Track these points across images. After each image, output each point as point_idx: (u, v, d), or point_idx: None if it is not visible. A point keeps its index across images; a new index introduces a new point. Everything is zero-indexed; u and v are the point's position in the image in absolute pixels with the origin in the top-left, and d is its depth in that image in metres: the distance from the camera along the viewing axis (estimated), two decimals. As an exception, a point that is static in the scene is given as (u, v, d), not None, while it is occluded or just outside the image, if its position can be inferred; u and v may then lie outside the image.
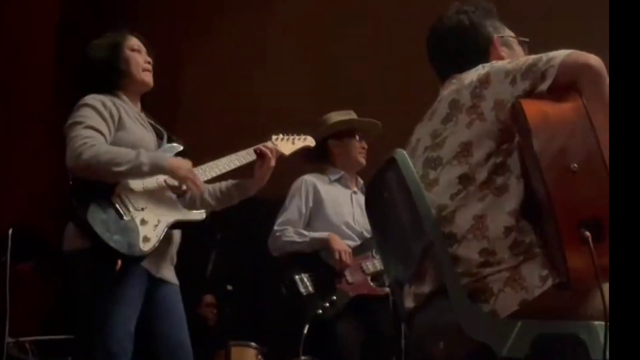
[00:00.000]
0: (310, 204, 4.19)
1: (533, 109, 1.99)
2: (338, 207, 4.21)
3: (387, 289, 4.03)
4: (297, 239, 4.10)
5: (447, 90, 2.27)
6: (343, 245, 4.04)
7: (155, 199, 3.09)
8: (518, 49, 2.39)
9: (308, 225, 4.16)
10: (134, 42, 3.27)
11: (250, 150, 3.37)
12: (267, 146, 3.37)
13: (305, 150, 3.92)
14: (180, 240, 3.25)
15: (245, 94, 6.38)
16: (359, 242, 4.15)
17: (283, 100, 6.18)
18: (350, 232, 4.16)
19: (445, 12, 2.42)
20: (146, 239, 2.98)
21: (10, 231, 3.44)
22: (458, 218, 2.10)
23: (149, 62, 3.27)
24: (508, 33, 2.41)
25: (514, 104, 2.04)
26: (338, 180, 4.30)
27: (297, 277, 4.01)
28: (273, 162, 3.36)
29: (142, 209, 3.04)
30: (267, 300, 4.61)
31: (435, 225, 2.11)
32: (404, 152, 2.22)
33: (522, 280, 2.00)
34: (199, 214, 3.19)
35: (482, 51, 2.34)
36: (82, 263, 2.99)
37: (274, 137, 3.51)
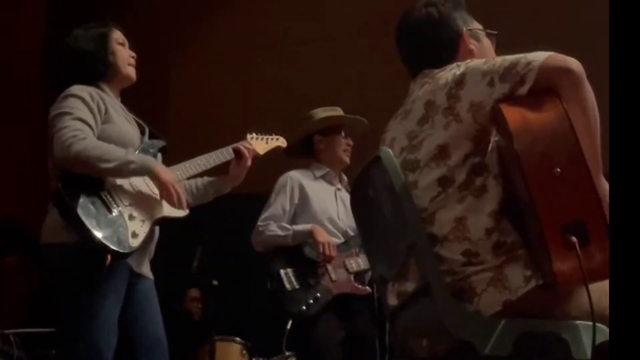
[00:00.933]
0: (296, 201, 4.17)
1: (513, 113, 1.98)
2: (323, 203, 4.19)
3: (369, 289, 4.08)
4: (280, 232, 4.08)
5: (422, 90, 2.24)
6: (327, 237, 4.03)
7: (140, 196, 3.09)
8: (486, 42, 2.37)
9: (292, 222, 4.15)
10: (119, 35, 3.25)
11: (229, 148, 3.40)
12: (245, 145, 3.42)
13: (289, 146, 3.94)
14: (166, 236, 3.25)
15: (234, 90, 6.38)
16: (343, 240, 4.15)
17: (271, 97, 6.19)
18: (334, 229, 4.15)
19: (415, 4, 2.38)
20: (134, 235, 2.98)
21: (-5, 225, 3.43)
22: (438, 220, 2.10)
23: (133, 57, 3.27)
24: (476, 26, 2.38)
25: (493, 107, 2.04)
26: (323, 177, 4.28)
27: (282, 271, 4.00)
28: (249, 162, 3.42)
29: (129, 205, 3.04)
30: (252, 296, 4.61)
31: (420, 223, 2.11)
32: (390, 150, 2.22)
33: (506, 281, 2.01)
34: (180, 212, 3.17)
35: (451, 44, 2.31)
36: (67, 256, 2.95)
37: (248, 135, 3.57)
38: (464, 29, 2.33)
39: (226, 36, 6.70)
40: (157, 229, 3.20)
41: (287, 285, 3.98)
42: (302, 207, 4.17)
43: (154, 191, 3.12)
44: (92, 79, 3.14)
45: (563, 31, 5.62)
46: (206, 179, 3.43)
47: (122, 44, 3.25)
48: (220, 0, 6.84)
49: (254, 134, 3.60)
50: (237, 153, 3.40)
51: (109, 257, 2.91)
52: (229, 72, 6.64)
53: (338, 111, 4.36)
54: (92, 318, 2.91)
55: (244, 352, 4.89)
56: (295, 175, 4.26)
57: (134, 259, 3.05)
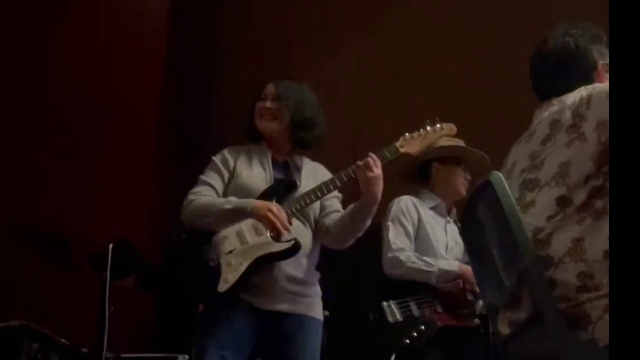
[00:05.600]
0: (415, 226, 4.03)
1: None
2: (435, 234, 4.09)
3: (477, 321, 3.93)
4: (423, 267, 3.89)
5: (548, 112, 2.25)
6: (473, 281, 3.78)
7: (246, 240, 3.20)
8: None
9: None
10: (264, 90, 3.43)
11: (348, 170, 3.25)
12: (357, 164, 3.22)
13: (403, 169, 3.84)
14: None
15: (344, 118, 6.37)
16: None
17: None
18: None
19: (552, 33, 2.40)
20: (225, 281, 3.12)
21: (110, 246, 3.53)
22: (555, 241, 2.06)
23: (264, 107, 3.38)
24: None
25: None
26: (434, 208, 4.15)
27: (384, 303, 3.91)
28: (373, 172, 3.15)
29: (230, 252, 3.17)
30: (362, 328, 4.56)
31: (532, 248, 2.06)
32: (500, 174, 2.19)
33: None
34: (282, 245, 3.18)
35: (585, 76, 2.31)
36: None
37: (401, 137, 3.36)
38: (600, 62, 2.33)
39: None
40: (285, 264, 3.21)
41: (390, 318, 3.87)
42: (417, 235, 4.07)
43: (263, 232, 3.19)
44: (251, 140, 3.46)
45: None
46: (348, 208, 3.32)
47: (262, 99, 3.41)
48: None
49: (408, 135, 3.37)
50: (353, 177, 3.22)
51: (200, 306, 3.22)
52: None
53: (460, 143, 4.18)
54: (200, 351, 3.12)
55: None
56: (409, 201, 4.09)
57: (252, 296, 3.17)
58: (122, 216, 4.87)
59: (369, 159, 3.17)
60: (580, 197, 2.05)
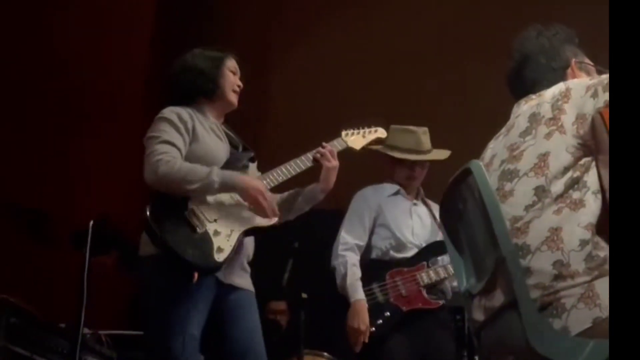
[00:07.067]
0: (373, 218, 4.14)
1: (614, 119, 1.97)
2: (396, 220, 4.14)
3: (442, 301, 4.01)
4: (342, 271, 4.04)
5: (527, 106, 2.28)
6: (365, 321, 3.89)
7: (227, 210, 3.17)
8: (596, 77, 2.35)
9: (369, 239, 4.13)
10: (233, 63, 3.41)
11: (308, 155, 3.40)
12: (320, 151, 3.40)
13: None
14: (257, 248, 3.31)
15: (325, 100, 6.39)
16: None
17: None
18: (410, 245, 4.11)
19: (526, 33, 2.46)
20: (220, 250, 3.07)
21: (90, 224, 3.53)
22: (532, 229, 2.08)
23: (239, 86, 3.40)
24: (587, 61, 2.43)
25: (594, 117, 2.04)
26: (395, 194, 4.23)
27: None
28: (332, 162, 3.40)
29: (215, 220, 3.12)
30: (340, 311, 4.59)
31: (509, 237, 2.08)
32: (480, 163, 2.22)
33: (596, 297, 1.97)
34: (269, 221, 3.22)
35: (559, 73, 2.36)
36: (157, 269, 3.07)
37: (343, 132, 3.55)
38: (573, 60, 2.39)
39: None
40: (251, 240, 3.26)
41: None
42: (378, 225, 4.14)
43: (241, 202, 3.20)
44: (197, 96, 3.31)
45: None
46: (298, 189, 3.46)
47: (233, 72, 3.40)
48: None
49: (350, 130, 3.57)
50: (315, 160, 3.39)
51: (196, 274, 3.03)
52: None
53: (414, 134, 4.21)
54: (172, 327, 2.99)
55: (332, 366, 4.86)
56: (369, 191, 4.24)
57: (220, 270, 3.11)
58: (106, 194, 4.87)
59: (331, 148, 3.41)
60: (558, 187, 2.08)
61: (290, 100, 6.76)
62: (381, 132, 3.72)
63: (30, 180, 4.86)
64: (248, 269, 3.29)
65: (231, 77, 3.38)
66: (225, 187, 3.13)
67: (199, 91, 3.32)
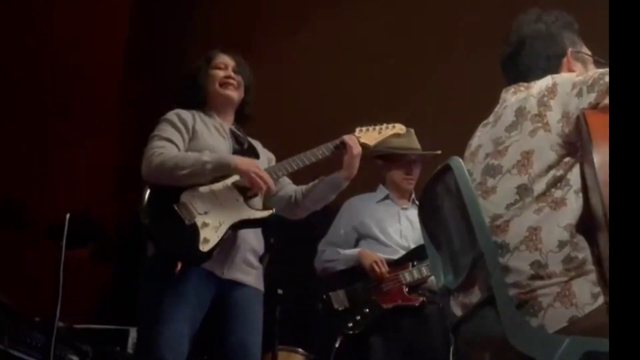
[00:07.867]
0: (354, 225, 4.23)
1: (597, 121, 1.96)
2: (381, 224, 4.20)
3: (422, 299, 4.03)
4: (331, 256, 4.17)
5: (515, 98, 2.25)
6: (373, 257, 4.05)
7: (219, 202, 3.15)
8: (592, 68, 2.35)
9: (356, 245, 4.20)
10: (220, 60, 3.44)
11: (328, 144, 3.36)
12: (344, 138, 3.37)
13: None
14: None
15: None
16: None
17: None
18: (396, 247, 4.13)
19: (525, 17, 2.41)
20: (205, 240, 3.05)
21: (67, 216, 3.50)
22: (512, 228, 2.08)
23: (229, 77, 3.40)
24: (585, 50, 2.38)
25: (578, 116, 2.03)
26: (384, 199, 4.30)
27: (331, 293, 4.04)
28: (356, 150, 3.35)
29: (205, 213, 3.10)
30: (316, 308, 4.60)
31: (488, 234, 2.09)
32: (460, 159, 2.21)
33: (573, 297, 1.98)
34: (262, 213, 3.21)
35: (554, 61, 2.32)
36: (148, 266, 3.13)
37: (357, 129, 3.49)
38: (570, 49, 2.34)
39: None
40: (252, 236, 3.25)
41: (337, 306, 3.99)
42: (362, 232, 4.22)
43: (236, 196, 3.18)
44: (194, 103, 3.38)
45: None
46: (322, 178, 3.42)
47: (221, 68, 3.42)
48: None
49: (364, 127, 3.50)
50: (342, 144, 3.35)
51: (179, 264, 3.03)
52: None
53: (408, 136, 4.22)
54: (158, 324, 2.99)
55: (307, 363, 4.85)
56: (356, 201, 4.31)
57: (216, 264, 3.11)
58: (84, 185, 4.83)
59: (352, 136, 3.39)
60: (539, 186, 2.07)
61: (272, 99, 6.72)
62: (399, 128, 3.63)
63: (6, 170, 4.82)
64: (255, 264, 3.28)
65: (216, 73, 3.40)
66: (219, 166, 3.13)
67: (197, 100, 3.39)
